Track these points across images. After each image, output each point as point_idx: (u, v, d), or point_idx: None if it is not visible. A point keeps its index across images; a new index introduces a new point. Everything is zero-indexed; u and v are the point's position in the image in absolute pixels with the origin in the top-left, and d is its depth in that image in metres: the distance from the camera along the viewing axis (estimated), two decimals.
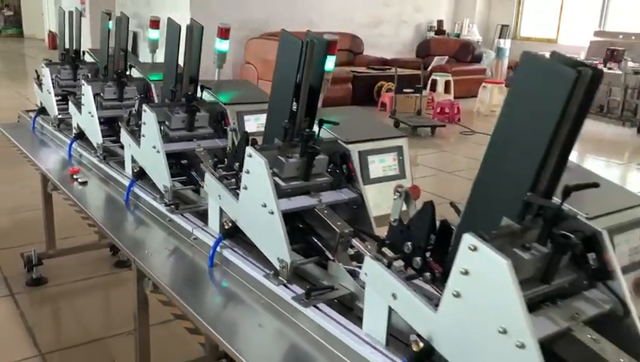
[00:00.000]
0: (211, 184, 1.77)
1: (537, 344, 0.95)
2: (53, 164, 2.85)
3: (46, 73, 3.19)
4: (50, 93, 3.16)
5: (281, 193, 1.58)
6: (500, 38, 13.80)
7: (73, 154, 2.83)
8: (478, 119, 9.96)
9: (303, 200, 1.62)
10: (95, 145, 2.64)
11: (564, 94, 1.03)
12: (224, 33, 2.78)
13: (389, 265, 1.24)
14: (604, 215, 1.24)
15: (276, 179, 1.60)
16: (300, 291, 1.48)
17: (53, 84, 3.18)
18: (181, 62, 2.20)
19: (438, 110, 9.48)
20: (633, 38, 11.83)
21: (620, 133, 9.66)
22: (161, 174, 2.07)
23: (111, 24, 2.85)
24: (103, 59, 2.86)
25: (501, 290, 0.99)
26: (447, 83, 10.70)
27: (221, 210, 1.77)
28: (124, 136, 2.31)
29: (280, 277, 1.53)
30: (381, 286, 1.23)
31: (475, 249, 1.02)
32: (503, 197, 1.12)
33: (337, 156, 1.72)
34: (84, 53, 3.35)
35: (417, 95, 8.98)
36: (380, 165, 1.83)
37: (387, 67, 11.20)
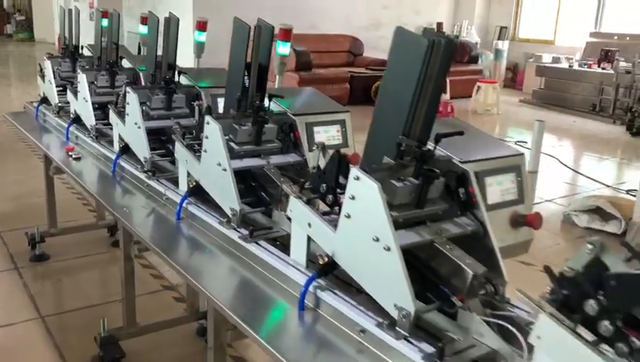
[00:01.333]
0: (180, 151, 2.09)
1: (399, 247, 1.25)
2: (52, 145, 3.19)
3: (48, 65, 3.53)
4: (51, 83, 3.50)
5: (234, 155, 1.89)
6: (498, 39, 14.08)
7: (70, 136, 3.15)
8: (472, 117, 10.23)
9: (253, 161, 1.93)
10: (89, 126, 2.97)
11: (421, 58, 1.34)
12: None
13: (307, 202, 1.52)
14: (477, 161, 1.52)
15: (231, 143, 1.91)
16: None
17: (54, 75, 3.52)
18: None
19: None
20: (627, 38, 12.04)
21: (611, 130, 9.87)
22: (141, 147, 2.39)
23: (105, 21, 3.19)
24: (96, 52, 3.20)
25: (374, 208, 1.29)
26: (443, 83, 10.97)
27: (188, 173, 2.08)
28: (112, 117, 2.63)
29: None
30: (300, 218, 1.52)
31: (357, 178, 1.33)
32: (384, 141, 1.43)
33: (287, 126, 2.03)
34: (82, 48, 3.69)
35: None
36: (325, 135, 2.09)
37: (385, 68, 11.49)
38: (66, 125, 3.19)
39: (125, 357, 2.79)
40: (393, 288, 1.28)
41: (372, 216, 1.32)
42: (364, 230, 1.34)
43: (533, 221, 1.50)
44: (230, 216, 1.84)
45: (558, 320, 1.01)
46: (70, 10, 3.61)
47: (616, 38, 12.24)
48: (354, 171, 1.35)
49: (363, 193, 1.33)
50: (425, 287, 1.38)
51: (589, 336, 0.99)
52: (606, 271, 0.98)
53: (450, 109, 9.82)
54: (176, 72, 2.57)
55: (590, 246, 1.02)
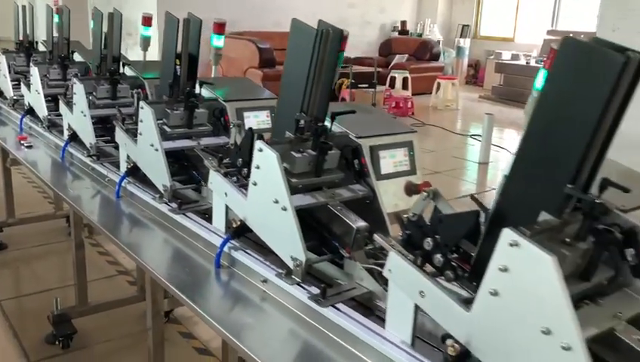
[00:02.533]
0: (119, 135, 2.26)
1: (293, 207, 1.25)
2: (7, 136, 3.32)
3: (2, 60, 3.66)
4: (5, 77, 3.64)
5: (166, 137, 2.08)
6: (460, 37, 14.45)
7: (24, 127, 3.30)
8: (432, 113, 10.53)
9: (185, 142, 2.11)
10: (41, 117, 3.12)
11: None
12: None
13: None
14: (372, 136, 1.61)
15: (164, 126, 2.09)
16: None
17: (9, 69, 3.65)
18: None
19: (393, 104, 10.03)
20: (582, 36, 12.43)
21: None
22: (87, 134, 2.56)
23: (57, 17, 3.34)
24: (49, 46, 3.35)
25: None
26: (405, 79, 11.26)
27: (128, 155, 2.25)
28: (62, 107, 2.79)
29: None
30: (219, 189, 1.52)
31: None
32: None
33: (218, 111, 2.22)
34: (37, 43, 3.83)
35: (372, 90, 9.55)
36: (255, 120, 2.28)
37: (351, 65, 11.74)
38: (20, 116, 3.33)
39: (77, 333, 2.96)
40: (289, 242, 1.47)
41: (272, 182, 1.46)
42: (267, 194, 1.48)
43: (425, 188, 1.70)
44: (162, 192, 2.03)
45: (403, 255, 1.19)
46: (24, 7, 3.74)
47: (571, 35, 12.68)
48: (258, 144, 1.48)
49: (265, 162, 1.48)
50: (321, 243, 1.57)
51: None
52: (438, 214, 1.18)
53: (410, 105, 10.10)
54: (121, 64, 2.75)
55: (425, 194, 1.24)
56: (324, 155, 1.58)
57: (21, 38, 3.86)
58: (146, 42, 3.09)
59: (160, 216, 2.05)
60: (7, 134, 3.40)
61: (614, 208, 1.16)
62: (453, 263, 1.17)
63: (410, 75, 11.26)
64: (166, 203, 2.02)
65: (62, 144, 2.85)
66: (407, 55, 12.64)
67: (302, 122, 1.59)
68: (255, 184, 1.56)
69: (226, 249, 1.68)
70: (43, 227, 4.35)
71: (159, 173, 2.04)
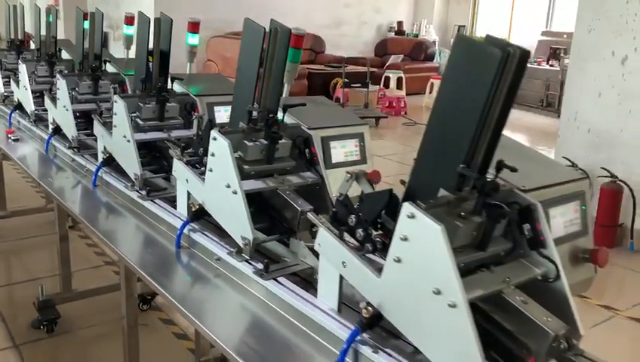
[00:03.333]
0: (97, 128, 2.40)
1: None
2: None
3: None
4: None
5: (139, 129, 2.22)
6: None
7: (13, 122, 3.44)
8: (425, 112, 10.64)
9: (156, 134, 2.24)
10: (29, 112, 3.25)
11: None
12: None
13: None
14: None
15: (137, 119, 2.23)
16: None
17: (0, 67, 3.79)
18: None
19: (387, 104, 10.17)
20: (564, 36, 12.59)
21: (555, 124, 10.36)
22: (69, 127, 2.70)
23: (51, 17, 3.49)
24: (37, 44, 3.49)
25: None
26: (399, 79, 11.38)
27: (105, 148, 2.39)
28: (47, 102, 2.92)
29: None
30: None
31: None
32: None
33: (189, 105, 2.35)
34: (28, 42, 3.97)
35: (365, 89, 9.68)
36: (225, 114, 2.39)
37: (344, 65, 11.88)
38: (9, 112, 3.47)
39: (60, 318, 3.09)
40: (239, 223, 1.61)
41: (225, 168, 1.61)
42: (221, 179, 1.63)
43: (374, 176, 1.81)
44: (134, 180, 2.17)
45: (330, 231, 1.33)
46: (15, 7, 3.89)
47: (565, 36, 12.77)
48: (212, 133, 1.65)
49: (219, 150, 1.63)
50: (272, 225, 1.72)
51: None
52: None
53: (402, 104, 10.24)
54: (103, 61, 2.89)
55: (348, 176, 1.38)
56: (275, 144, 1.71)
57: (11, 38, 4.01)
58: (128, 40, 3.22)
59: (131, 203, 2.18)
60: None
61: (514, 188, 1.30)
62: (374, 238, 1.28)
63: (404, 75, 11.37)
64: (137, 191, 2.16)
65: (45, 136, 2.99)
66: (402, 55, 12.76)
67: (254, 113, 1.72)
68: (211, 170, 1.70)
69: (185, 231, 1.81)
70: (34, 220, 4.48)
71: (131, 163, 2.17)
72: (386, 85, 11.19)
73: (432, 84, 11.11)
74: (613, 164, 4.67)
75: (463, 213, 1.17)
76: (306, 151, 1.80)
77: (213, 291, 1.65)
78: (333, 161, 1.86)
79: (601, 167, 4.64)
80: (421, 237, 1.12)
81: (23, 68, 3.26)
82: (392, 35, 14.15)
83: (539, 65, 12.05)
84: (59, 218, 2.98)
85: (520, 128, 9.75)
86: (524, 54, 1.14)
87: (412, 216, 1.12)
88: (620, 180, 4.58)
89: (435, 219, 1.09)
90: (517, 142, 1.68)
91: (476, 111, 1.16)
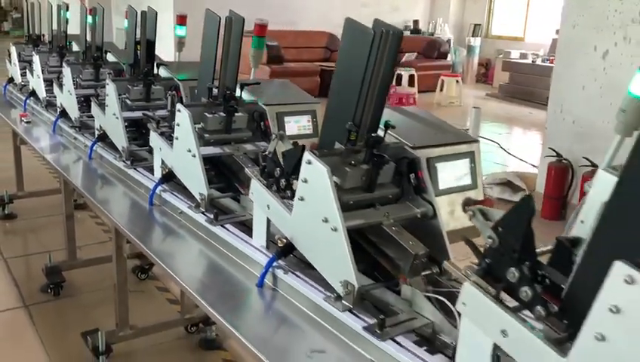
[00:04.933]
0: (94, 109, 2.73)
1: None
2: (13, 115, 3.84)
3: (13, 51, 4.19)
4: (15, 65, 4.17)
5: (128, 108, 2.54)
6: (472, 36, 14.72)
7: (27, 108, 3.81)
8: (436, 109, 10.86)
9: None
10: (41, 98, 3.62)
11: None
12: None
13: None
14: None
15: (126, 100, 2.55)
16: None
17: (18, 58, 4.18)
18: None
19: (396, 100, 10.41)
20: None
21: None
22: (73, 109, 3.04)
23: (62, 13, 3.86)
24: (50, 38, 3.86)
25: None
26: (411, 77, 11.61)
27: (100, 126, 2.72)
28: (56, 89, 3.27)
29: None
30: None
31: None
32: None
33: (173, 88, 2.67)
34: (44, 36, 4.35)
35: None
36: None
37: None
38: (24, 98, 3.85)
39: (65, 282, 3.45)
40: (198, 182, 1.91)
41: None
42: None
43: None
44: (121, 152, 2.49)
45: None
46: (32, 4, 4.27)
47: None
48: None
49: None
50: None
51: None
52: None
53: (412, 101, 10.47)
54: (103, 52, 3.23)
55: (274, 136, 1.62)
56: (232, 116, 1.88)
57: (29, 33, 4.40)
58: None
59: (119, 171, 2.51)
60: (13, 113, 3.92)
61: (405, 145, 1.58)
62: (294, 187, 1.49)
63: (416, 73, 11.59)
64: (123, 161, 2.48)
65: (52, 118, 3.35)
66: (415, 53, 12.98)
67: (214, 91, 2.02)
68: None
69: (157, 191, 2.13)
70: (49, 200, 4.85)
71: (119, 138, 2.49)
72: (399, 82, 11.44)
73: (443, 81, 11.31)
74: (597, 153, 4.85)
75: (353, 162, 1.44)
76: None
77: (177, 239, 1.96)
78: (288, 132, 2.15)
79: (583, 157, 4.84)
80: (315, 178, 1.39)
81: (36, 59, 3.63)
82: (408, 33, 14.36)
83: (551, 63, 12.15)
84: (65, 191, 3.33)
85: (531, 124, 9.92)
86: (398, 33, 1.43)
87: (309, 163, 1.39)
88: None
89: (324, 163, 1.36)
90: (434, 117, 1.92)
91: (358, 78, 1.45)
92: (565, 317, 0.99)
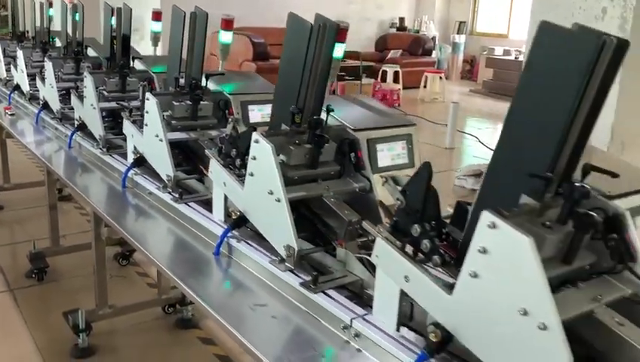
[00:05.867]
0: (73, 100, 2.89)
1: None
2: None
3: None
4: (0, 61, 4.31)
5: (104, 99, 2.70)
6: (457, 33, 14.93)
7: (12, 101, 3.95)
8: (419, 105, 11.06)
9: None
10: (25, 92, 3.77)
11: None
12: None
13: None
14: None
15: (103, 91, 2.71)
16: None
17: (3, 54, 4.32)
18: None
19: (380, 96, 10.60)
20: None
21: None
22: (54, 102, 3.20)
23: (51, 10, 4.01)
24: (32, 31, 4.01)
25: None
26: (396, 73, 11.80)
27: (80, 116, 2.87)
28: (38, 82, 3.43)
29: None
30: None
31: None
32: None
33: (147, 80, 2.83)
34: (28, 32, 4.50)
35: (357, 82, 10.16)
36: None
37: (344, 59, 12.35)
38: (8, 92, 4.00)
39: (49, 267, 3.60)
40: (164, 163, 2.08)
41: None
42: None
43: None
44: (98, 140, 2.65)
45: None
46: (16, 2, 4.41)
47: None
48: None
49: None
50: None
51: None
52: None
53: (396, 97, 10.66)
54: (84, 47, 3.39)
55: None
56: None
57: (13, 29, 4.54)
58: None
59: (96, 158, 2.67)
60: (0, 108, 4.06)
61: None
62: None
63: (401, 69, 11.79)
64: (100, 148, 2.65)
65: (35, 110, 3.50)
66: (401, 50, 13.18)
67: (181, 82, 2.19)
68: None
69: (130, 175, 2.29)
70: (35, 192, 4.99)
71: (96, 126, 2.65)
72: (383, 79, 11.63)
73: (427, 77, 11.51)
74: None
75: (297, 141, 1.40)
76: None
77: (147, 218, 2.12)
78: (251, 120, 2.32)
79: None
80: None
81: (20, 54, 3.78)
82: (394, 30, 14.55)
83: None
84: (48, 180, 3.49)
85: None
86: (333, 26, 1.49)
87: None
88: None
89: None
90: (379, 103, 2.00)
91: (299, 66, 1.50)
92: (460, 266, 1.09)
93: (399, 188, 1.26)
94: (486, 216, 1.02)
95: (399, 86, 11.45)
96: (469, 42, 14.82)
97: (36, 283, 3.58)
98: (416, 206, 1.22)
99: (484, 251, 1.03)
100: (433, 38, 14.22)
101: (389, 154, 1.82)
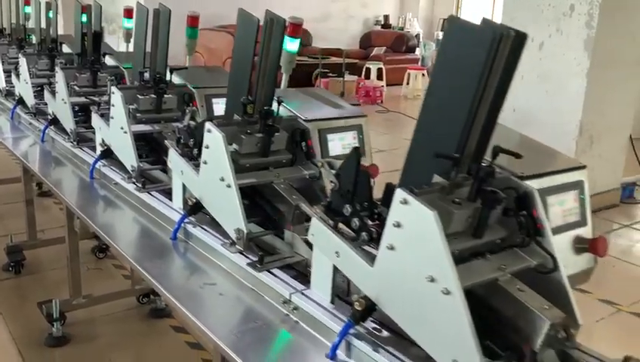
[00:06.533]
0: (46, 95, 2.96)
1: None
2: None
3: None
4: None
5: (75, 93, 2.77)
6: (441, 30, 15.06)
7: None
8: (402, 101, 11.18)
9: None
10: (1, 88, 3.83)
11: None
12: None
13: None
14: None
15: (75, 86, 2.78)
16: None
17: None
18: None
19: (363, 93, 10.70)
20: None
21: None
22: (29, 97, 3.26)
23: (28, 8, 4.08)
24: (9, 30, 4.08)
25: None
26: (379, 70, 11.91)
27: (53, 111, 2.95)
28: (14, 78, 3.49)
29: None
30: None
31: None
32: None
33: (119, 75, 2.90)
34: (5, 29, 4.57)
35: (340, 79, 10.25)
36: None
37: (321, 56, 12.43)
38: None
39: (25, 260, 3.67)
40: (128, 153, 2.16)
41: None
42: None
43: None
44: (69, 134, 2.73)
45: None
46: None
47: None
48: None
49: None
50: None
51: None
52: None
53: (379, 94, 10.77)
54: (58, 44, 3.46)
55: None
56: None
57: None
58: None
59: (66, 151, 2.75)
60: None
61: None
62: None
63: (384, 67, 11.90)
64: (71, 142, 2.72)
65: (10, 105, 3.57)
66: (384, 47, 13.30)
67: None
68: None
69: (98, 166, 2.37)
70: (15, 188, 5.04)
71: (67, 121, 2.73)
72: (367, 76, 11.73)
73: (409, 74, 11.63)
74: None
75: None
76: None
77: (115, 209, 2.21)
78: (215, 113, 2.40)
79: None
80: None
81: None
82: (379, 28, 14.66)
83: None
84: (24, 175, 3.56)
85: None
86: (281, 21, 1.57)
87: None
88: None
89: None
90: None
91: (249, 59, 1.58)
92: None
93: (333, 171, 1.35)
94: (399, 194, 1.12)
95: (382, 83, 11.56)
96: None
97: (13, 276, 3.65)
98: (348, 187, 1.31)
99: (398, 225, 1.13)
100: (417, 36, 14.35)
101: (340, 143, 1.90)
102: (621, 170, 5.42)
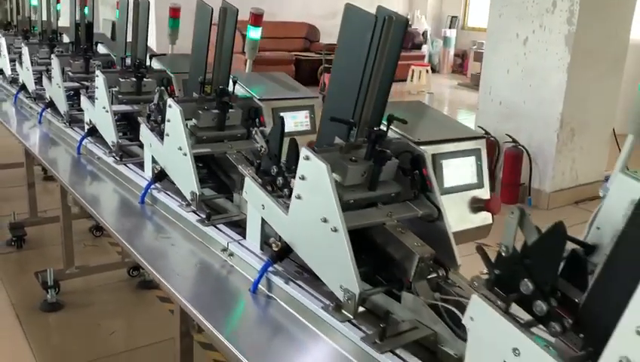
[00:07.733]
0: (44, 81, 3.21)
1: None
2: None
3: None
4: None
5: (69, 79, 3.03)
6: (449, 28, 15.20)
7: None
8: (406, 97, 11.36)
9: (81, 83, 3.02)
10: (7, 75, 4.11)
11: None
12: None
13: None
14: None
15: (69, 73, 3.04)
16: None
17: None
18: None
19: None
20: None
21: None
22: (30, 82, 3.53)
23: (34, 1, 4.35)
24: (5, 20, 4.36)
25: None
26: None
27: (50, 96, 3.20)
28: (17, 66, 3.76)
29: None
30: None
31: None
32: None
33: (110, 63, 3.16)
34: (11, 22, 4.85)
35: None
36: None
37: (325, 52, 12.62)
38: None
39: (27, 235, 3.95)
40: (109, 131, 2.41)
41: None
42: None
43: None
44: (63, 115, 2.98)
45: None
46: None
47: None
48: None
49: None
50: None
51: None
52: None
53: None
54: (58, 34, 3.72)
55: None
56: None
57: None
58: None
59: (60, 131, 3.00)
60: None
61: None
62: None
63: None
64: (64, 123, 2.97)
65: (9, 93, 3.84)
66: None
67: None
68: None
69: (84, 143, 2.62)
70: (22, 172, 5.34)
71: (61, 104, 2.99)
72: None
73: (413, 70, 11.81)
74: (518, 131, 5.37)
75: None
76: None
77: (100, 183, 2.46)
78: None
79: (506, 134, 5.35)
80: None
81: (2, 41, 4.12)
82: None
83: None
84: (26, 159, 3.83)
85: None
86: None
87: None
88: (521, 145, 5.29)
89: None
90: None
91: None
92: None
93: (264, 138, 1.58)
94: (303, 151, 1.36)
95: None
96: (460, 37, 15.09)
97: (15, 250, 3.93)
98: (275, 151, 1.54)
99: (303, 178, 1.36)
100: (424, 33, 14.50)
101: (292, 121, 2.08)
102: (604, 163, 5.58)
